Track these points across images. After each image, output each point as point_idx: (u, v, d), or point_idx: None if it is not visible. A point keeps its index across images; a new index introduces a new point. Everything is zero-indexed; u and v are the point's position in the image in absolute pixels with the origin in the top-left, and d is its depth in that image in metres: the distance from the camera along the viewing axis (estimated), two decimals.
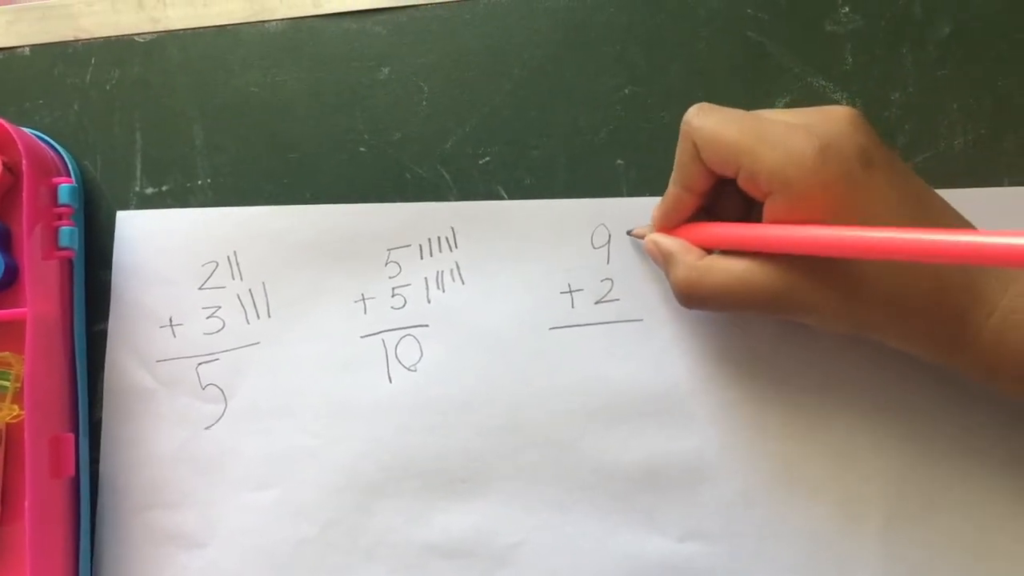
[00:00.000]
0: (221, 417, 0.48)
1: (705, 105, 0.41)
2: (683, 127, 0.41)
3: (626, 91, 0.49)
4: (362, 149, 0.50)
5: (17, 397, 0.46)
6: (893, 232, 0.33)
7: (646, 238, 0.44)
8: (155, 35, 0.52)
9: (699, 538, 0.45)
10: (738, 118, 0.40)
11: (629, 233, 0.47)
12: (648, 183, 0.48)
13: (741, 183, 0.39)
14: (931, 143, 0.46)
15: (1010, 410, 0.44)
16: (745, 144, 0.38)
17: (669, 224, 0.43)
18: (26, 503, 0.42)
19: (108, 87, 0.52)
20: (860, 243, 0.34)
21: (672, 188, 0.43)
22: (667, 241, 0.43)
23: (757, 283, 0.39)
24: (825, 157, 0.37)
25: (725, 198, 0.43)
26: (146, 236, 0.49)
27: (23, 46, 0.52)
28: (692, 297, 0.41)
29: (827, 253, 0.36)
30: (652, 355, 0.46)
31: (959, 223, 0.39)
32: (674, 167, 0.43)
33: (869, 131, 0.38)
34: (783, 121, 0.39)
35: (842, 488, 0.44)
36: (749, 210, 0.42)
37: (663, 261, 0.43)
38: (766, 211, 0.38)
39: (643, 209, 0.47)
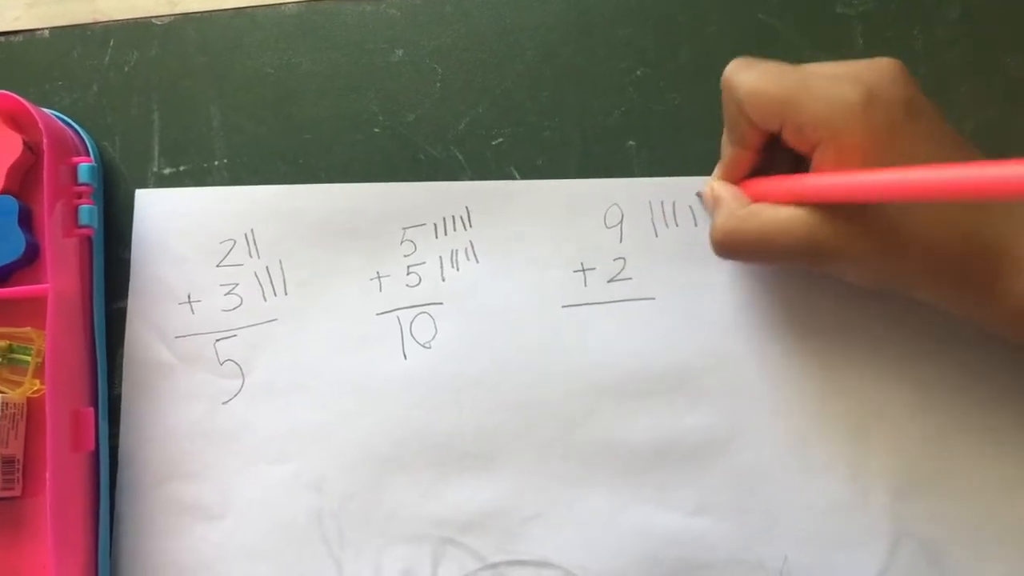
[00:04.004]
0: (239, 392, 0.48)
1: (743, 60, 0.41)
2: (723, 86, 0.42)
3: (638, 73, 0.49)
4: (376, 130, 0.50)
5: (38, 372, 0.47)
6: (941, 169, 0.32)
7: (707, 183, 0.45)
8: (172, 17, 0.52)
9: (709, 513, 0.45)
10: (779, 71, 0.40)
11: (698, 194, 0.47)
12: (659, 164, 0.48)
13: (786, 136, 0.40)
14: None
15: None
16: (788, 96, 0.39)
17: (730, 181, 0.44)
18: (47, 476, 0.43)
19: (126, 69, 0.52)
20: (911, 184, 0.34)
21: (727, 147, 0.43)
22: (721, 187, 0.43)
23: (797, 230, 0.39)
24: (872, 106, 0.37)
25: (776, 158, 0.43)
26: (164, 214, 0.50)
27: (42, 28, 0.53)
28: (726, 243, 0.42)
29: (874, 198, 0.36)
30: (664, 333, 0.47)
31: None
32: (724, 125, 0.43)
33: (913, 83, 0.39)
34: (827, 72, 0.39)
35: (851, 463, 0.45)
36: (797, 168, 0.42)
37: (712, 207, 0.44)
38: (814, 162, 0.39)
39: (656, 189, 0.48)
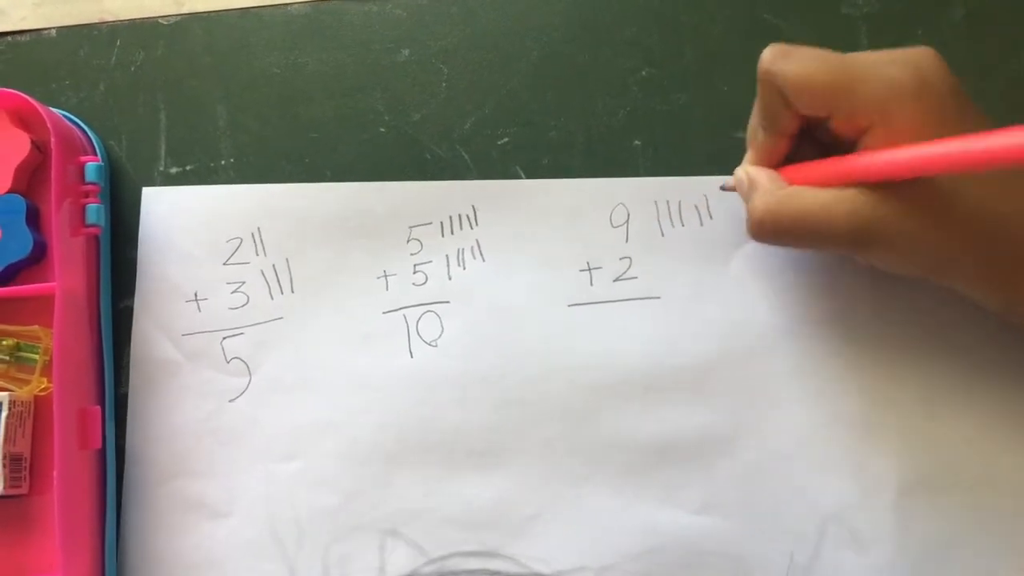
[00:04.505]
0: (245, 390, 0.48)
1: (779, 48, 0.40)
2: (762, 75, 0.41)
3: (643, 73, 0.50)
4: (382, 130, 0.51)
5: (46, 370, 0.47)
6: (992, 137, 0.32)
7: (736, 170, 0.44)
8: (179, 17, 0.53)
9: (714, 511, 0.46)
10: (822, 58, 0.39)
11: (722, 188, 0.47)
12: (664, 163, 0.49)
13: (835, 123, 0.39)
14: None
15: None
16: (838, 82, 0.38)
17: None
18: (55, 474, 0.43)
19: (133, 68, 0.52)
20: (968, 154, 0.33)
21: (763, 136, 0.43)
22: (755, 170, 0.43)
23: (841, 213, 0.38)
24: (924, 90, 0.37)
25: (802, 146, 0.43)
26: (171, 212, 0.50)
27: (50, 28, 0.53)
28: (766, 224, 0.41)
29: (928, 170, 0.35)
30: (669, 332, 0.47)
31: None
32: (758, 115, 0.43)
33: (951, 73, 0.38)
34: (873, 58, 0.39)
35: (857, 460, 0.45)
36: (826, 155, 0.41)
37: (748, 190, 0.42)
38: (863, 146, 0.38)
39: (662, 188, 0.48)
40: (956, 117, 0.37)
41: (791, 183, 0.41)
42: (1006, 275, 0.38)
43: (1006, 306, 0.39)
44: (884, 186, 0.38)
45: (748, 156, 0.44)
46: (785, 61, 0.40)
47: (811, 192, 0.40)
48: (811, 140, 0.42)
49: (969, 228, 0.37)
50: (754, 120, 0.44)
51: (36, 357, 0.47)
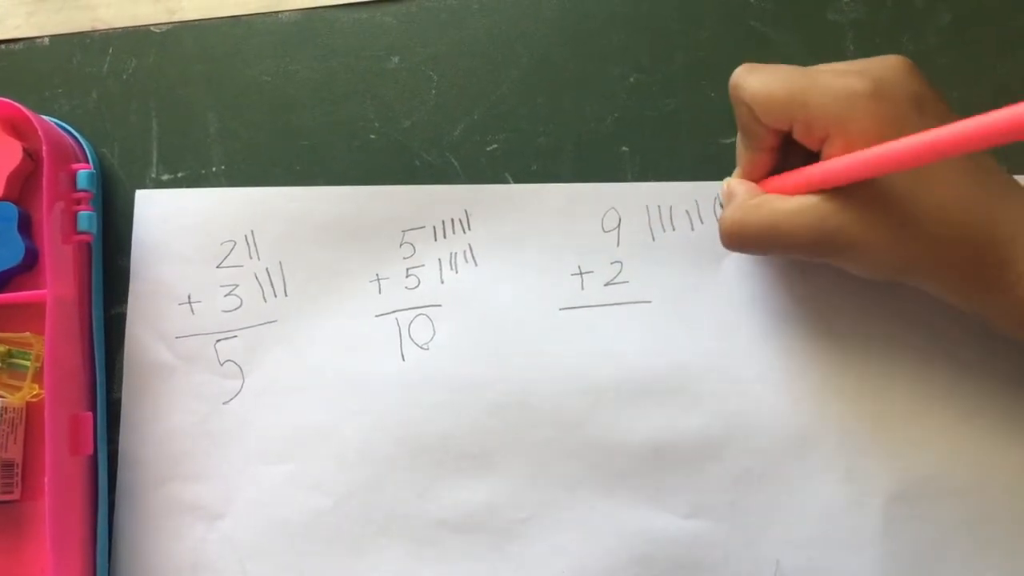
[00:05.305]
0: (239, 393, 0.48)
1: (748, 65, 0.42)
2: (732, 92, 0.42)
3: (631, 80, 0.50)
4: (372, 136, 0.51)
5: (37, 376, 0.47)
6: (944, 130, 0.32)
7: (723, 181, 0.45)
8: (171, 25, 0.53)
9: (705, 515, 0.46)
10: (785, 72, 0.40)
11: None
12: (653, 170, 0.49)
13: (797, 135, 0.40)
14: None
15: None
16: (795, 94, 0.39)
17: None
18: (46, 480, 0.43)
19: (125, 76, 0.53)
20: (920, 148, 0.33)
21: (743, 152, 0.43)
22: (736, 182, 0.44)
23: (805, 221, 0.39)
24: (879, 97, 0.37)
25: (790, 158, 0.43)
26: (165, 214, 0.50)
27: (42, 36, 0.53)
28: (733, 232, 0.42)
29: (879, 170, 0.36)
30: (660, 336, 0.47)
31: (1010, 181, 0.39)
32: (738, 132, 0.43)
33: (922, 79, 0.39)
34: (834, 69, 0.40)
35: (847, 465, 0.45)
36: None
37: (726, 201, 0.44)
38: (823, 155, 0.39)
39: (654, 193, 0.48)
40: (916, 122, 0.37)
41: (768, 193, 0.42)
42: (969, 279, 0.39)
43: (978, 308, 0.40)
44: (844, 193, 0.38)
45: (736, 171, 0.45)
46: (750, 76, 0.41)
47: (778, 201, 0.40)
48: (798, 154, 0.42)
49: (927, 231, 0.38)
50: (738, 139, 0.44)
51: (28, 364, 0.47)
